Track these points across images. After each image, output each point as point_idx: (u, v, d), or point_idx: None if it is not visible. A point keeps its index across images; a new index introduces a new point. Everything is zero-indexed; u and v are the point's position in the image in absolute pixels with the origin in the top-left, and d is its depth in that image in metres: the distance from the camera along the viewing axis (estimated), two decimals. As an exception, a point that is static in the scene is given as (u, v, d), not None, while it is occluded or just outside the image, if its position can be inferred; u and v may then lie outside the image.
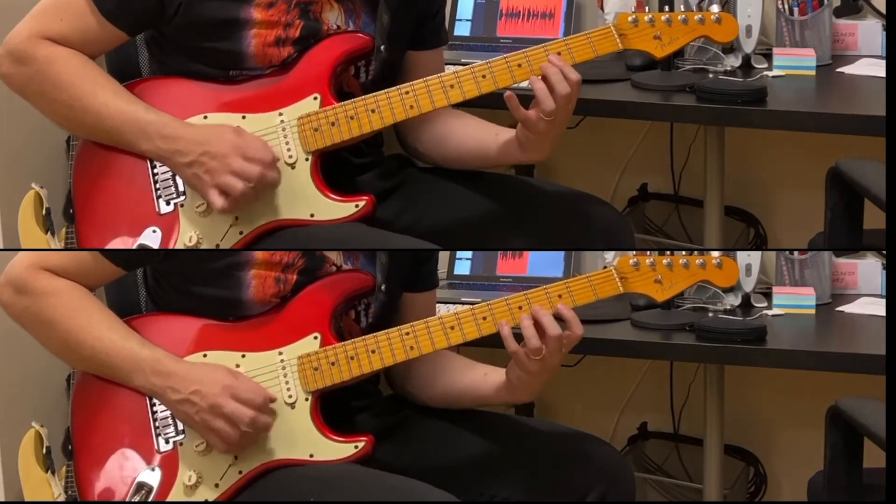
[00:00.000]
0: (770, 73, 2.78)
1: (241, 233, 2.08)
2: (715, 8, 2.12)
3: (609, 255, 2.69)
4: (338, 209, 2.08)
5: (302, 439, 2.04)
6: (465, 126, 2.25)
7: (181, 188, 2.09)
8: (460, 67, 2.10)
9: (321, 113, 2.08)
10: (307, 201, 2.08)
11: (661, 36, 2.10)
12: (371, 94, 2.09)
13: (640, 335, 2.70)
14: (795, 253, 2.88)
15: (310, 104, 2.08)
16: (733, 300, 2.84)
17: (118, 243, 2.10)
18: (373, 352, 2.05)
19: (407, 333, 2.05)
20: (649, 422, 3.18)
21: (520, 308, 2.03)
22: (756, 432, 3.10)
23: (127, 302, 2.20)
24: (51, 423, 2.92)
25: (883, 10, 2.88)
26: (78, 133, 2.14)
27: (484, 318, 2.04)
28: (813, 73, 2.77)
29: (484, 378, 2.13)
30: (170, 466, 2.05)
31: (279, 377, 2.05)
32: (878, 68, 2.79)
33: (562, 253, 2.95)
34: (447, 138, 2.25)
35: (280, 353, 2.06)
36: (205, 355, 2.06)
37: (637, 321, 2.72)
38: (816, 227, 2.60)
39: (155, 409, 2.06)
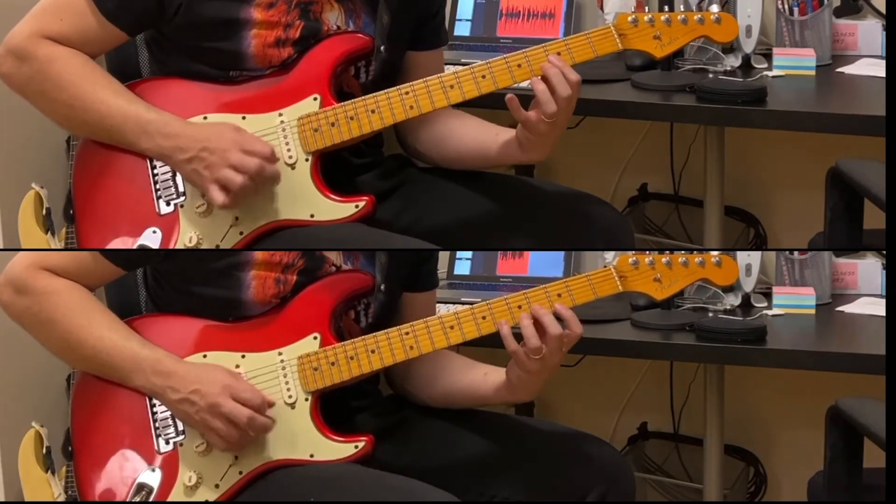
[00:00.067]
0: (770, 73, 2.78)
1: (241, 233, 2.08)
2: (715, 8, 2.12)
3: (609, 255, 2.69)
4: (338, 209, 2.08)
5: (302, 439, 2.04)
6: (464, 126, 2.25)
7: (181, 188, 2.09)
8: (460, 68, 2.10)
9: (321, 113, 2.08)
10: (307, 202, 2.08)
11: (660, 36, 2.10)
12: (371, 95, 2.09)
13: (640, 335, 2.70)
14: (795, 253, 2.88)
15: (310, 104, 2.09)
16: (733, 300, 2.84)
17: (118, 243, 2.10)
18: (372, 352, 2.05)
19: (406, 333, 2.05)
20: (649, 422, 3.18)
21: (519, 307, 2.03)
22: (756, 432, 3.10)
23: (127, 302, 2.20)
24: (51, 423, 2.92)
25: (883, 10, 2.88)
26: (78, 132, 2.14)
27: (483, 318, 2.04)
28: (813, 73, 2.77)
29: (484, 378, 2.13)
30: (170, 467, 2.05)
31: (279, 377, 2.05)
32: (878, 68, 2.79)
33: (562, 253, 2.96)
34: (447, 139, 2.25)
35: (280, 354, 2.06)
36: (205, 356, 2.06)
37: (637, 321, 2.72)
38: (816, 227, 2.60)
39: (155, 409, 2.06)
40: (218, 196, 2.03)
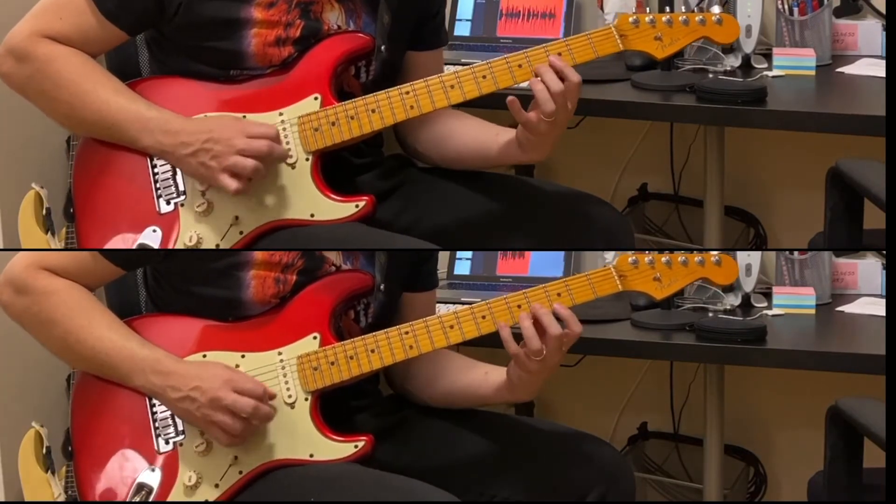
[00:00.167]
0: (770, 73, 2.78)
1: (241, 232, 2.08)
2: (716, 9, 2.11)
3: (609, 255, 2.69)
4: (338, 209, 2.08)
5: (302, 439, 2.04)
6: (464, 126, 2.25)
7: (181, 187, 2.09)
8: (461, 67, 2.10)
9: (321, 113, 2.08)
10: (307, 201, 2.08)
11: (661, 37, 2.10)
12: (371, 94, 2.09)
13: (640, 335, 2.70)
14: (795, 253, 2.88)
15: (310, 104, 2.09)
16: (733, 300, 2.84)
17: (118, 242, 2.10)
18: (372, 351, 2.05)
19: (406, 333, 2.05)
20: (649, 422, 3.18)
21: (519, 307, 2.03)
22: (756, 432, 3.10)
23: (127, 302, 2.20)
24: (51, 423, 2.92)
25: (883, 10, 2.88)
26: (79, 131, 2.14)
27: (483, 318, 2.04)
28: (813, 73, 2.77)
29: (484, 377, 2.13)
30: (170, 467, 2.05)
31: (279, 377, 2.05)
32: (878, 68, 2.79)
33: (562, 253, 2.96)
34: (447, 139, 2.25)
35: (279, 353, 2.06)
36: (204, 356, 2.06)
37: (637, 321, 2.72)
38: (816, 227, 2.60)
39: (155, 409, 2.06)
40: (230, 183, 2.03)
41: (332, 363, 2.05)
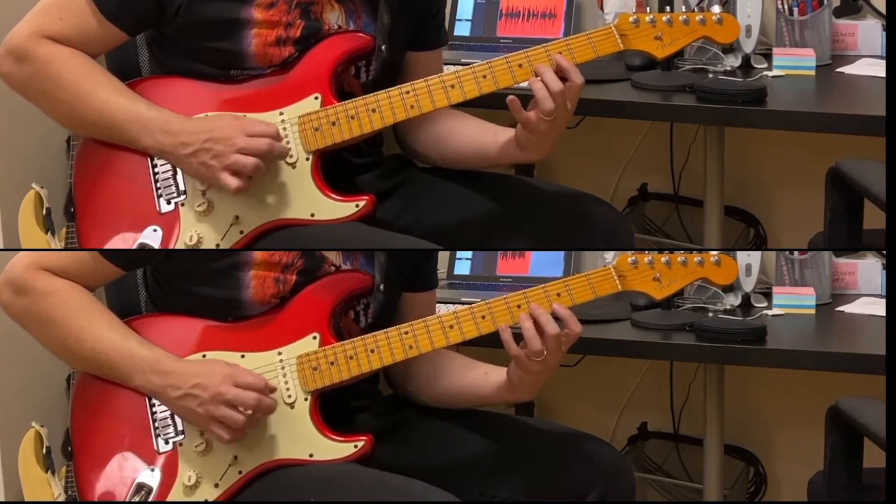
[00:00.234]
0: (770, 73, 2.78)
1: (241, 232, 2.08)
2: (716, 9, 2.11)
3: (609, 255, 2.69)
4: (338, 209, 2.08)
5: (301, 439, 2.04)
6: (464, 126, 2.25)
7: (182, 187, 2.09)
8: (461, 67, 2.10)
9: (322, 112, 2.08)
10: (308, 201, 2.08)
11: (662, 36, 2.10)
12: (372, 94, 2.09)
13: (640, 335, 2.70)
14: (795, 253, 2.88)
15: (311, 104, 2.09)
16: (733, 300, 2.84)
17: (119, 242, 2.10)
18: (372, 351, 2.05)
19: (406, 333, 2.05)
20: (649, 422, 3.18)
21: (518, 307, 2.03)
22: (756, 432, 3.10)
23: (127, 302, 2.20)
24: (51, 423, 2.91)
25: (883, 10, 2.88)
26: (79, 131, 2.14)
27: (483, 318, 2.04)
28: (813, 73, 2.77)
29: (484, 377, 2.13)
30: (169, 467, 2.05)
31: (278, 377, 2.05)
32: (877, 68, 2.79)
33: (562, 253, 2.96)
34: (446, 139, 2.25)
35: (279, 353, 2.06)
36: (204, 355, 2.06)
37: (637, 321, 2.72)
38: (816, 227, 2.60)
39: (154, 409, 2.06)
40: (231, 182, 2.03)
41: (332, 363, 2.05)
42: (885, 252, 2.84)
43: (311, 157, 2.08)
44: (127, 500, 2.05)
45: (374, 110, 2.09)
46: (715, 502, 2.90)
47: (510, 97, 2.06)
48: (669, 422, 3.15)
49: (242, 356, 2.06)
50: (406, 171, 2.29)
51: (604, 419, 3.18)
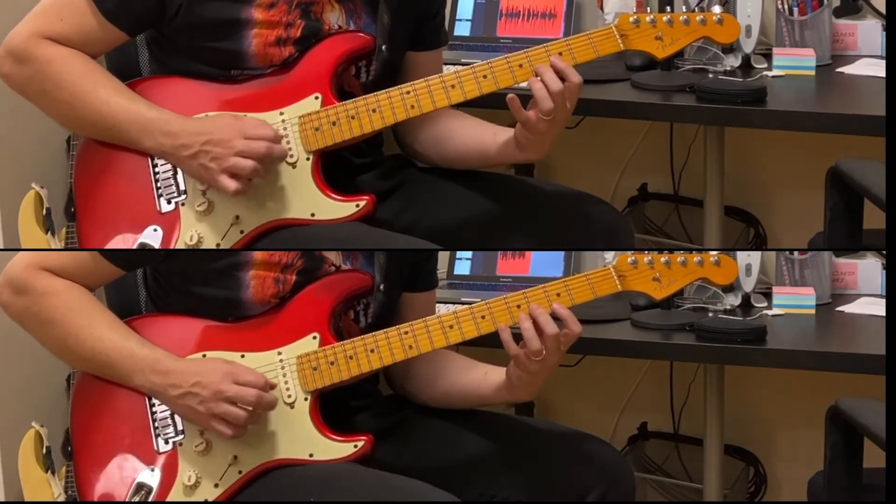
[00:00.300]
0: (770, 73, 2.78)
1: (241, 232, 2.08)
2: (716, 9, 2.11)
3: (609, 255, 2.69)
4: (338, 209, 2.09)
5: (301, 439, 2.04)
6: (463, 126, 2.25)
7: (182, 187, 2.09)
8: (461, 67, 2.10)
9: (322, 112, 2.08)
10: (308, 201, 2.08)
11: (662, 37, 2.10)
12: (372, 94, 2.09)
13: (640, 335, 2.70)
14: (795, 253, 2.88)
15: (311, 104, 2.09)
16: (733, 300, 2.84)
17: (119, 242, 2.10)
18: (372, 351, 2.05)
19: (406, 333, 2.05)
20: (649, 422, 3.18)
21: (518, 307, 2.03)
22: (756, 432, 3.10)
23: (127, 302, 2.20)
24: (51, 423, 2.92)
25: (883, 10, 2.88)
26: (80, 132, 2.14)
27: (483, 318, 2.04)
28: (813, 73, 2.77)
29: (484, 377, 2.13)
30: (169, 467, 2.05)
31: (278, 377, 2.05)
32: (877, 68, 2.79)
33: (562, 253, 2.96)
34: (446, 139, 2.25)
35: (279, 353, 2.06)
36: (204, 355, 2.06)
37: (637, 321, 2.72)
38: (816, 227, 2.59)
39: (154, 409, 2.06)
40: (230, 184, 2.03)
41: (332, 363, 2.05)
42: (885, 252, 2.83)
43: (311, 156, 2.09)
44: (127, 500, 2.05)
45: (374, 110, 2.09)
46: (715, 502, 2.90)
47: (510, 95, 2.06)
48: (669, 422, 3.15)
49: (242, 356, 2.06)
50: (406, 171, 2.29)
51: (604, 419, 3.18)
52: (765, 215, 3.06)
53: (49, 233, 2.92)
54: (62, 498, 2.88)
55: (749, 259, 2.84)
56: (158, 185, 2.10)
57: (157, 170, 2.09)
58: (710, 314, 2.77)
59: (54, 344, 2.10)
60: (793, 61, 2.79)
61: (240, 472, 2.04)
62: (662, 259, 2.04)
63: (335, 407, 2.09)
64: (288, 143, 2.08)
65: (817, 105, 2.72)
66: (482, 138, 2.22)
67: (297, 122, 2.08)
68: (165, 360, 2.04)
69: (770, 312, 2.81)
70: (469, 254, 3.00)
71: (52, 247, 2.90)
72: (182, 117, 2.07)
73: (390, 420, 2.18)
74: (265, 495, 2.03)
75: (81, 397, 2.11)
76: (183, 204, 2.09)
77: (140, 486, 2.05)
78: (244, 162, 2.02)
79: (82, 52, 2.08)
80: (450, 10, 3.01)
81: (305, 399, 2.05)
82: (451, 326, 2.04)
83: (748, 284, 2.85)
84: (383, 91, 2.09)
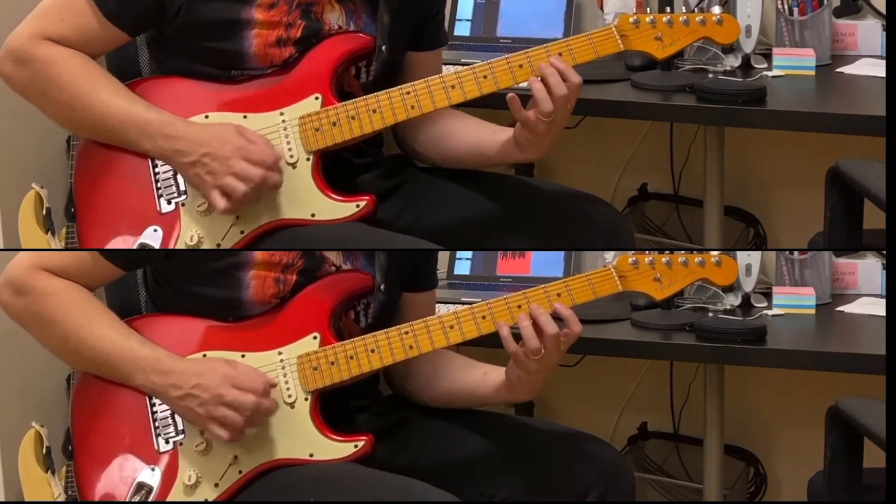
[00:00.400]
0: (770, 73, 2.78)
1: (242, 232, 2.08)
2: (716, 9, 2.12)
3: (609, 256, 2.69)
4: (339, 209, 2.09)
5: (301, 439, 2.04)
6: (463, 126, 2.25)
7: (182, 187, 2.09)
8: (461, 67, 2.10)
9: (322, 113, 2.08)
10: (308, 201, 2.08)
11: (662, 37, 2.10)
12: (372, 94, 2.09)
13: (640, 335, 2.70)
14: (795, 253, 2.88)
15: (311, 104, 2.09)
16: (733, 300, 2.84)
17: (119, 242, 2.10)
18: (372, 351, 2.05)
19: (406, 333, 2.05)
20: (649, 422, 3.18)
21: (518, 307, 2.03)
22: (756, 432, 3.10)
23: (127, 302, 2.20)
24: (51, 423, 2.92)
25: (883, 10, 2.88)
26: (80, 133, 2.14)
27: (483, 318, 2.04)
28: (812, 73, 2.77)
29: (484, 377, 2.13)
30: (170, 466, 2.05)
31: (278, 377, 2.05)
32: (877, 68, 2.79)
33: (562, 253, 2.96)
34: (446, 139, 2.25)
35: (279, 353, 2.06)
36: (204, 355, 2.06)
37: (637, 321, 2.72)
38: (816, 227, 2.60)
39: (155, 409, 2.06)
40: (220, 202, 2.03)
41: (332, 363, 2.05)
42: (885, 252, 2.84)
43: (311, 157, 2.09)
44: (127, 499, 2.05)
45: (374, 110, 2.09)
46: (715, 502, 2.90)
47: (510, 95, 2.06)
48: (669, 422, 3.15)
49: (243, 356, 2.06)
50: (406, 171, 2.29)
51: (604, 419, 3.18)
52: (765, 215, 3.06)
53: (49, 233, 2.92)
54: (62, 498, 2.88)
55: (749, 259, 2.84)
56: (158, 185, 2.10)
57: (157, 170, 2.09)
58: (710, 314, 2.77)
59: (55, 344, 2.10)
60: (793, 61, 2.79)
61: (240, 471, 2.04)
62: (663, 259, 2.04)
63: (335, 407, 2.09)
64: (288, 143, 2.08)
65: (817, 105, 2.73)
66: (482, 138, 2.22)
67: (298, 123, 2.08)
68: (166, 360, 2.04)
69: (770, 312, 2.81)
70: (469, 254, 3.00)
71: (52, 247, 2.90)
72: (182, 120, 2.06)
73: (390, 420, 2.18)
74: (265, 495, 2.03)
75: (82, 397, 2.11)
76: (183, 204, 2.09)
77: (140, 486, 2.05)
78: (237, 184, 2.02)
79: (83, 52, 2.08)
80: (450, 10, 3.02)
81: (306, 399, 2.05)
82: (451, 326, 2.04)
83: (748, 284, 2.85)
84: (383, 91, 2.09)
